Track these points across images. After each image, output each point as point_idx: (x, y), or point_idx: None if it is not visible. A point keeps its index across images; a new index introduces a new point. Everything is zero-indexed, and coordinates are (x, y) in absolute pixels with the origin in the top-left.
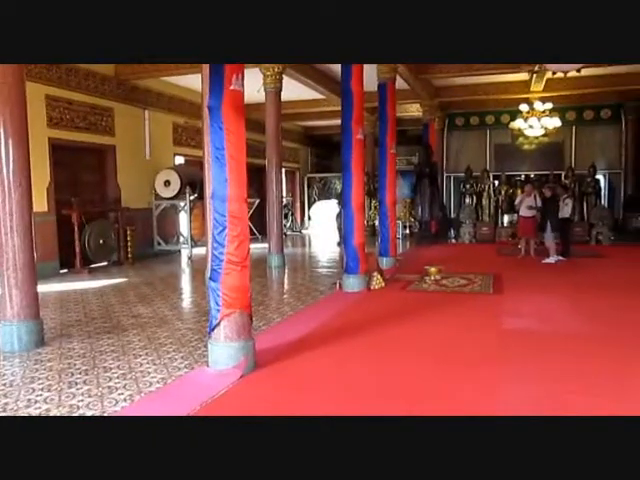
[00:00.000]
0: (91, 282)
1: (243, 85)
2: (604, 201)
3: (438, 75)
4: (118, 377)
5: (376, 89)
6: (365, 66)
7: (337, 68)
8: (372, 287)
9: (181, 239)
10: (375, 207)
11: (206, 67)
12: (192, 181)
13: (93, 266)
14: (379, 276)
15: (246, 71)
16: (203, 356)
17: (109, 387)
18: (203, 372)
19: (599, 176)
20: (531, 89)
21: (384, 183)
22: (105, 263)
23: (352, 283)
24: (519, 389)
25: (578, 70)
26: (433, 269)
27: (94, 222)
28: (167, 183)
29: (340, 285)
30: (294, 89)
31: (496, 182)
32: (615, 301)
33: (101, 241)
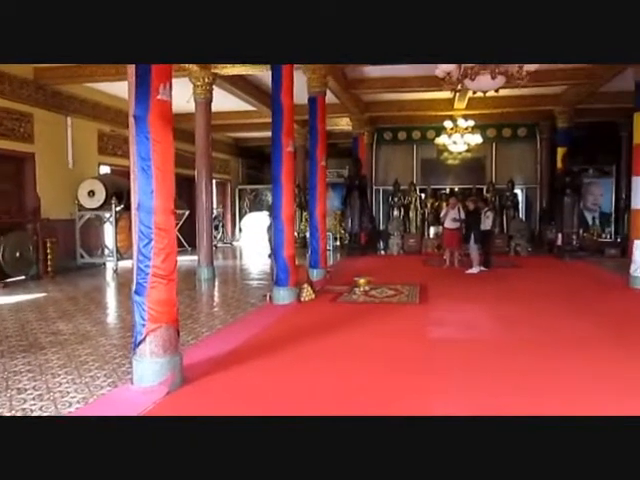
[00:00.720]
0: (6, 297)
1: (171, 95)
2: (522, 214)
3: (367, 90)
4: (34, 399)
5: (307, 102)
6: (296, 79)
7: (268, 80)
8: (302, 299)
9: (106, 252)
10: (306, 219)
11: (132, 75)
12: (119, 191)
13: (9, 280)
14: (309, 288)
15: (175, 81)
16: (127, 373)
17: (23, 409)
18: (127, 390)
19: (517, 190)
20: (454, 107)
21: (314, 195)
22: (23, 277)
23: (282, 295)
24: (445, 394)
25: (496, 90)
26: (362, 280)
27: (10, 234)
28: (91, 193)
29: (270, 297)
30: (225, 100)
31: (423, 195)
32: (532, 308)
33: (18, 254)
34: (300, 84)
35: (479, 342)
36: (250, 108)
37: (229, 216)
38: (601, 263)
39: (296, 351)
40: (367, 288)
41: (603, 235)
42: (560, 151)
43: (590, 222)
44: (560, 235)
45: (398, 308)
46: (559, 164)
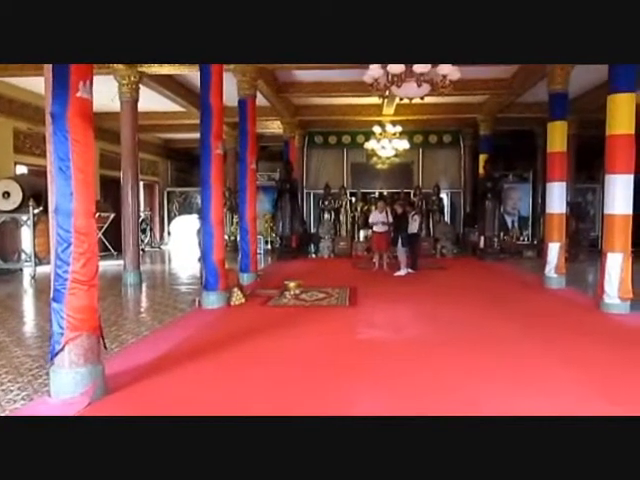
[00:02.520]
0: None
1: (92, 92)
2: (447, 217)
3: (298, 94)
4: None
5: (237, 104)
6: (226, 81)
7: (196, 81)
8: (232, 303)
9: (23, 257)
10: (237, 222)
11: (48, 70)
12: (37, 193)
13: None
14: (239, 292)
15: (100, 78)
16: (45, 385)
17: None
18: (44, 403)
19: (443, 195)
20: (383, 112)
21: (244, 198)
22: None
23: (212, 300)
24: (370, 394)
25: (422, 97)
26: (292, 284)
27: None
28: (6, 195)
29: (199, 302)
30: (153, 100)
31: (353, 199)
32: (457, 307)
33: None
34: (230, 86)
35: (406, 342)
36: (179, 109)
37: (157, 219)
38: (519, 264)
39: (225, 356)
40: (297, 291)
41: (521, 238)
42: (482, 157)
43: (510, 225)
44: (482, 238)
45: (328, 311)
46: (481, 170)
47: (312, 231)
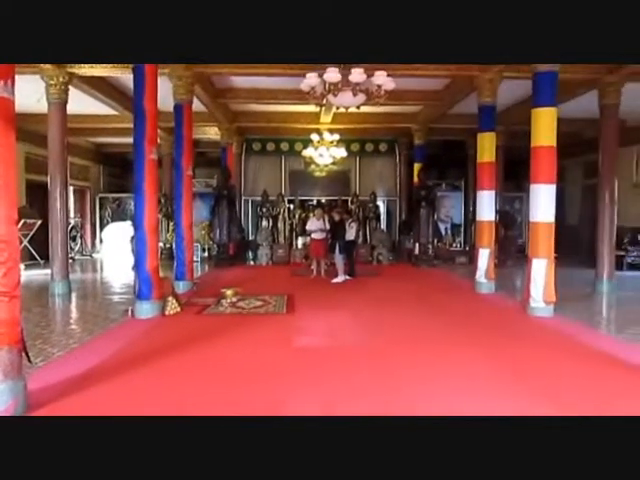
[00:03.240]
0: None
1: (14, 92)
2: (383, 225)
3: (235, 100)
4: None
5: (173, 109)
6: (161, 85)
7: (130, 84)
8: (167, 313)
9: None
10: (172, 229)
11: None
12: None
13: None
14: (174, 301)
15: (26, 78)
16: None
17: None
18: None
19: (379, 202)
20: (321, 120)
21: (180, 205)
22: None
23: (145, 309)
24: (306, 400)
25: (358, 107)
26: (229, 292)
27: None
28: None
29: (132, 312)
30: (84, 102)
31: (291, 206)
32: (392, 313)
33: None
34: (166, 90)
35: (342, 348)
36: (112, 112)
37: (89, 226)
38: (452, 270)
39: (158, 367)
40: (234, 299)
41: (454, 244)
42: (417, 166)
43: (443, 232)
44: (417, 244)
45: (265, 319)
46: (416, 178)
47: (250, 238)
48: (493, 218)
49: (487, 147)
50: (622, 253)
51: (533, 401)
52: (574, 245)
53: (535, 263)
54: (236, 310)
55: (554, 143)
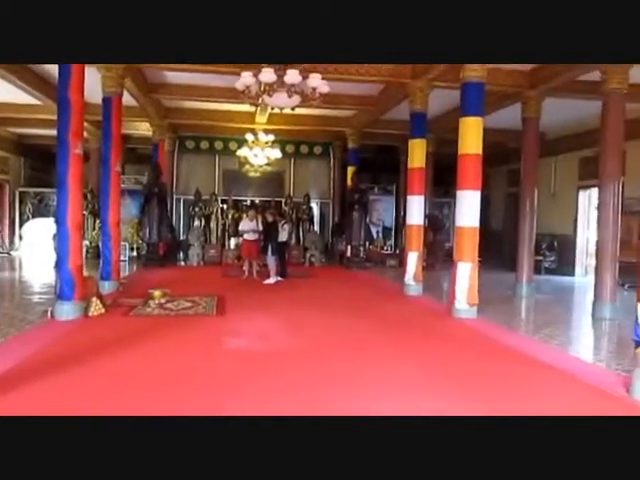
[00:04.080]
0: None
1: None
2: (316, 227)
3: (168, 96)
4: None
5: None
6: (89, 76)
7: (55, 72)
8: (90, 314)
9: None
10: (100, 227)
11: None
12: None
13: None
14: (98, 302)
15: None
16: None
17: None
18: None
19: (313, 204)
20: (256, 121)
21: (107, 202)
22: None
23: (67, 310)
24: (237, 402)
25: (292, 108)
26: (158, 292)
27: None
28: None
29: (52, 313)
30: (3, 90)
31: (224, 206)
32: (322, 315)
33: None
34: (95, 80)
35: (272, 350)
36: (35, 102)
37: (7, 222)
38: (383, 273)
39: (77, 372)
40: (163, 300)
41: (385, 247)
42: (350, 170)
43: (375, 235)
44: (349, 247)
45: (195, 320)
46: (349, 181)
47: (181, 238)
48: (422, 222)
49: (418, 153)
50: (540, 258)
51: (452, 399)
52: (498, 250)
53: (460, 266)
54: (164, 311)
55: (480, 151)
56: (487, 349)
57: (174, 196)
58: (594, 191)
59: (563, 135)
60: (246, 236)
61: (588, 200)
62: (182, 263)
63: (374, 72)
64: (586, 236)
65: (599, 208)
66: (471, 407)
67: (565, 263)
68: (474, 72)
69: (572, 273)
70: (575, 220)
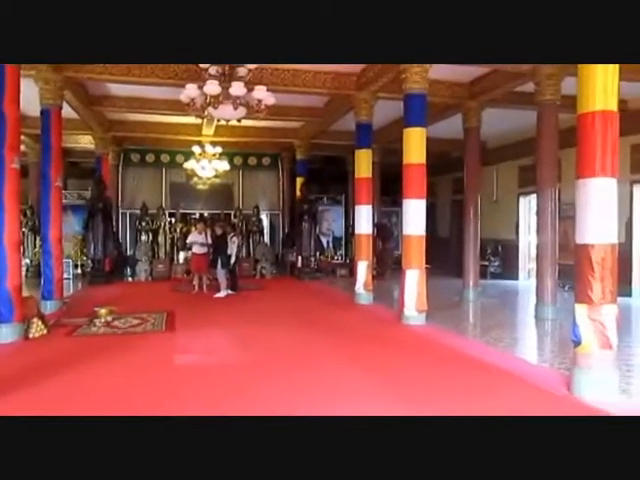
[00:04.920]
0: None
1: None
2: (267, 239)
3: (111, 109)
4: None
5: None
6: (27, 88)
7: None
8: (31, 336)
9: None
10: (40, 245)
11: None
12: None
13: None
14: (40, 322)
15: None
16: None
17: None
18: None
19: (262, 216)
20: (203, 133)
21: (48, 218)
22: None
23: (5, 333)
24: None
25: (239, 120)
26: (104, 310)
27: None
28: None
29: None
30: None
31: (172, 219)
32: (273, 327)
33: None
34: (32, 93)
35: (223, 365)
36: None
37: None
38: (334, 282)
39: (13, 399)
40: (109, 319)
41: (336, 257)
42: (299, 180)
43: (325, 245)
44: (300, 258)
45: (143, 338)
46: (298, 192)
47: (128, 253)
48: (371, 232)
49: (364, 163)
50: (485, 263)
51: (397, 403)
52: (445, 256)
53: (408, 274)
54: (111, 330)
55: (424, 161)
56: (435, 354)
57: (120, 210)
58: (533, 197)
59: (503, 144)
60: (195, 250)
61: (528, 206)
62: (129, 279)
63: (319, 84)
64: (528, 241)
65: (538, 214)
66: (416, 409)
67: (509, 267)
68: (416, 84)
69: (516, 277)
70: (517, 225)
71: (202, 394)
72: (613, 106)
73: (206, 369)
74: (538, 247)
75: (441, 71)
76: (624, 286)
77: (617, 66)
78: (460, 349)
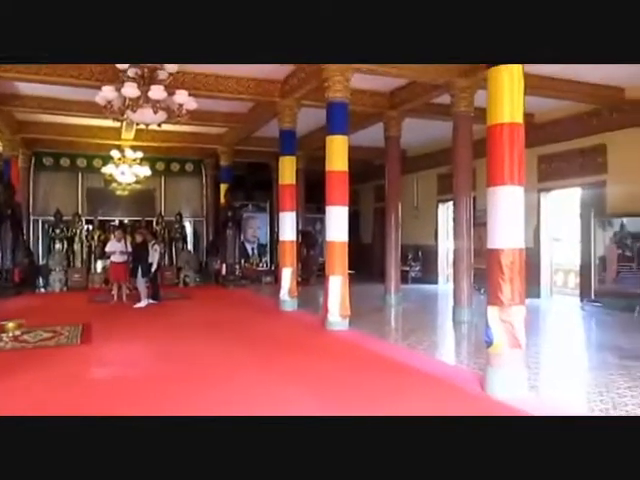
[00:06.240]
0: None
1: None
2: (190, 246)
3: (20, 109)
4: None
5: None
6: None
7: None
8: None
9: None
10: None
11: None
12: None
13: None
14: None
15: None
16: None
17: None
18: None
19: (186, 223)
20: (122, 137)
21: None
22: None
23: None
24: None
25: (159, 125)
26: (11, 324)
27: None
28: None
29: None
30: None
31: (89, 227)
32: (196, 338)
33: None
34: None
35: (142, 378)
36: None
37: None
38: (259, 290)
39: None
40: (18, 332)
41: (261, 264)
42: (223, 187)
43: (250, 253)
44: (224, 265)
45: (56, 352)
46: (222, 199)
47: (41, 263)
48: (295, 238)
49: (288, 170)
50: (407, 268)
51: (318, 405)
52: (369, 262)
53: (332, 280)
54: (19, 345)
55: (346, 168)
56: (358, 359)
57: (31, 217)
58: (451, 204)
59: (423, 153)
60: (113, 258)
61: (447, 213)
62: (42, 290)
63: (243, 90)
64: (446, 246)
65: (454, 220)
66: (335, 412)
67: (429, 272)
68: (338, 92)
69: (436, 281)
70: (436, 231)
71: (117, 406)
72: (519, 118)
73: (123, 381)
74: (455, 252)
75: (363, 81)
76: (533, 288)
77: (522, 81)
78: (382, 353)
